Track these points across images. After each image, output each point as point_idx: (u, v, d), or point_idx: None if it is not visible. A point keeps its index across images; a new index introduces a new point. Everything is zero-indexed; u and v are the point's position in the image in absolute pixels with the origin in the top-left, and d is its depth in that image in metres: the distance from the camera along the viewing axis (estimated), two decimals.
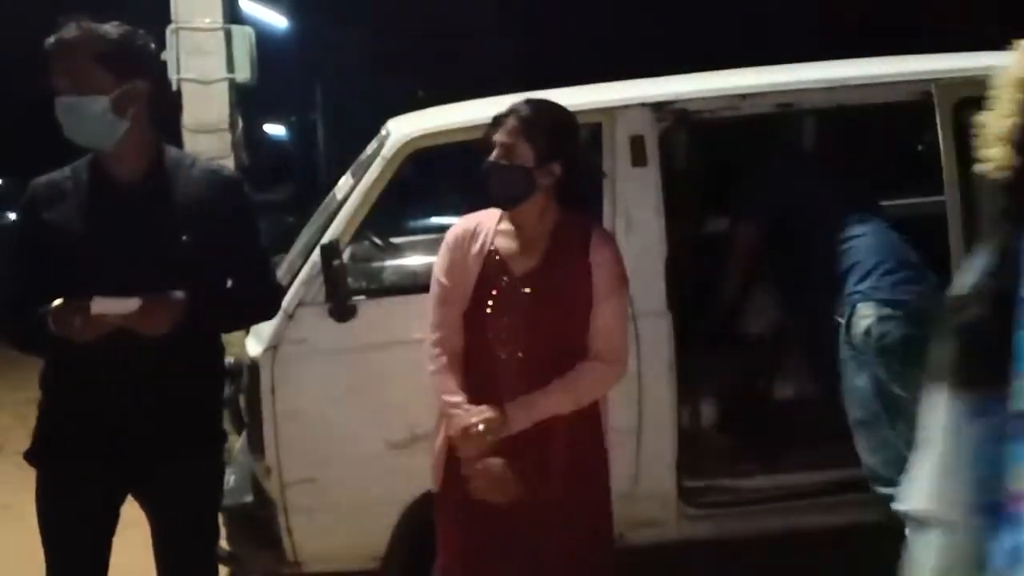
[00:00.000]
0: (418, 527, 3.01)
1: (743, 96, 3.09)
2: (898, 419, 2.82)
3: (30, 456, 2.29)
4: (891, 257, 2.97)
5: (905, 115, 3.90)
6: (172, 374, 2.18)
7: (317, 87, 23.19)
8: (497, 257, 2.27)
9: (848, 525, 2.92)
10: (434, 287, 2.33)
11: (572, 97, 3.30)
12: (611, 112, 3.06)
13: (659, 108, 3.06)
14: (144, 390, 2.17)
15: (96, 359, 2.11)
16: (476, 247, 2.28)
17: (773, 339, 4.09)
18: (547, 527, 2.26)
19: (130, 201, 2.19)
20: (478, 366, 2.28)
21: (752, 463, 3.28)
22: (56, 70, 2.11)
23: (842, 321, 2.93)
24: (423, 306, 2.95)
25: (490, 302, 2.25)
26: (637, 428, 3.03)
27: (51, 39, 2.12)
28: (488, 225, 2.31)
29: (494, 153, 2.23)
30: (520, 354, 2.23)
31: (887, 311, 2.87)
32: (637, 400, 3.01)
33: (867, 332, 2.88)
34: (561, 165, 2.23)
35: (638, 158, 3.02)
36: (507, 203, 2.27)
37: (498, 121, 2.25)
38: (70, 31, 2.11)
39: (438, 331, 2.30)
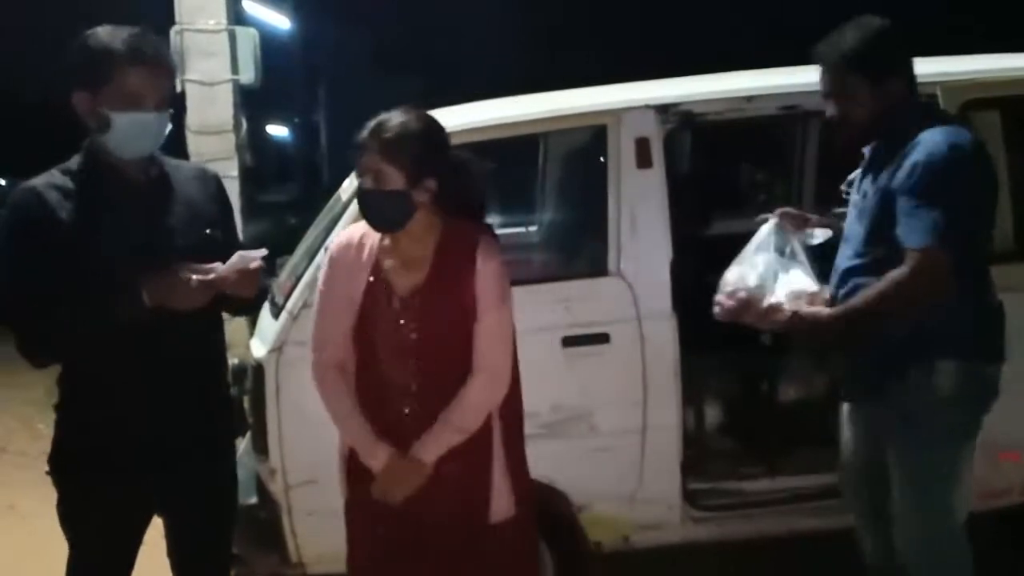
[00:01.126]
0: None
1: (748, 98, 3.09)
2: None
3: (59, 467, 2.21)
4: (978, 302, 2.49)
5: None
6: (196, 376, 2.22)
7: (320, 88, 23.22)
8: (382, 275, 2.18)
9: (852, 528, 2.91)
10: (318, 301, 2.25)
11: (578, 99, 3.31)
12: (616, 114, 3.06)
13: (664, 110, 3.05)
14: (175, 394, 2.17)
15: (127, 365, 2.10)
16: (361, 262, 2.19)
17: (778, 341, 4.09)
18: (435, 507, 2.22)
19: (143, 198, 2.17)
20: (370, 385, 2.22)
21: (757, 466, 3.27)
22: None
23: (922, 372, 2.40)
24: None
25: (377, 323, 2.18)
26: (642, 430, 3.03)
27: None
28: (373, 238, 2.21)
29: (364, 179, 2.13)
30: (413, 378, 2.17)
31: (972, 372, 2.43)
32: (642, 402, 3.01)
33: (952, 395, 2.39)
34: (435, 179, 2.13)
35: (643, 160, 3.02)
36: (389, 228, 2.17)
37: (362, 144, 2.12)
38: None
39: (325, 348, 2.22)
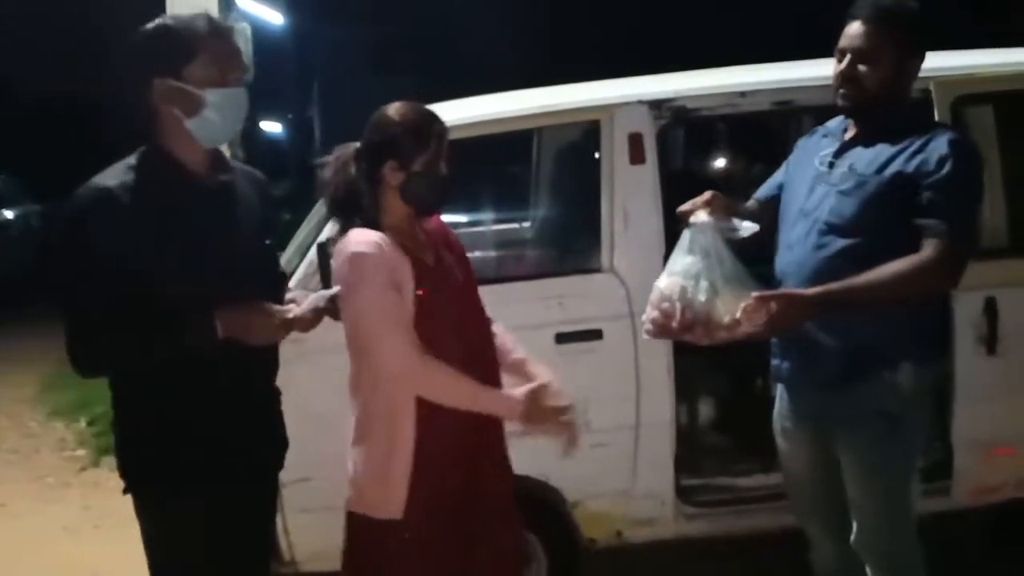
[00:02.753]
0: None
1: (742, 94, 3.08)
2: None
3: (143, 480, 2.12)
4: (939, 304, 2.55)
5: None
6: (272, 386, 2.24)
7: (314, 84, 23.20)
8: (413, 255, 2.17)
9: None
10: (377, 306, 2.08)
11: (570, 95, 3.31)
12: (609, 109, 3.05)
13: (657, 106, 3.05)
14: (259, 405, 2.19)
15: (217, 375, 2.04)
16: (397, 256, 2.13)
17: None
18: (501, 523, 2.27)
19: (214, 204, 2.09)
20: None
21: (749, 462, 3.27)
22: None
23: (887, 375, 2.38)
24: None
25: (431, 301, 2.13)
26: (635, 426, 3.03)
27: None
28: (383, 240, 2.13)
29: (442, 166, 2.17)
30: (467, 340, 2.20)
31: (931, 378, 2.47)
32: (635, 398, 3.01)
33: (916, 394, 2.40)
34: None
35: (636, 155, 3.01)
36: (435, 210, 2.26)
37: (445, 131, 2.19)
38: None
39: (412, 351, 2.08)
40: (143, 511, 2.15)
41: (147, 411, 2.08)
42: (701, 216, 2.35)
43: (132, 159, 2.06)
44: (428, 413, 2.13)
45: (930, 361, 2.44)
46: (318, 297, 2.11)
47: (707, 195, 2.44)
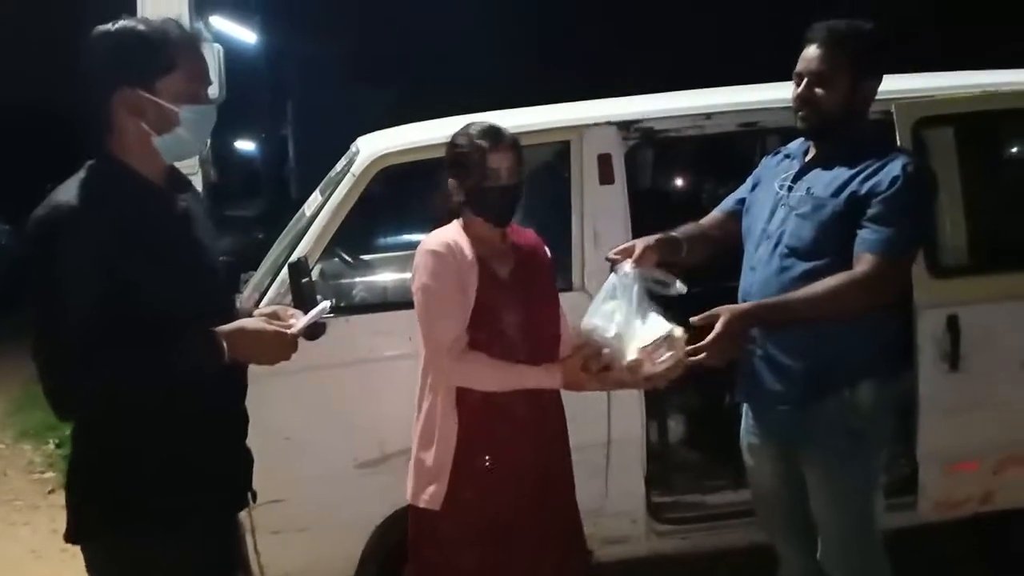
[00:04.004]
0: (388, 547, 2.99)
1: (707, 115, 3.13)
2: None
3: (114, 525, 1.90)
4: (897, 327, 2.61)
5: None
6: (244, 410, 2.12)
7: (288, 103, 23.14)
8: (486, 266, 2.37)
9: None
10: (436, 301, 2.32)
11: (540, 115, 3.34)
12: (579, 130, 3.09)
13: (626, 127, 3.09)
14: (234, 433, 2.08)
15: (198, 403, 1.90)
16: (468, 259, 2.34)
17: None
18: (555, 534, 2.42)
19: (180, 218, 1.98)
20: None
21: (720, 478, 3.30)
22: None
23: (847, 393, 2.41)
24: (393, 323, 2.97)
25: (490, 308, 2.34)
26: (606, 444, 3.05)
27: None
28: (457, 243, 2.37)
29: (507, 176, 2.34)
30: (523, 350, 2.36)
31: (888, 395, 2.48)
32: (607, 415, 3.03)
33: (870, 411, 2.42)
34: None
35: (605, 176, 3.06)
36: (507, 220, 2.41)
37: (504, 146, 2.35)
38: None
39: (455, 340, 2.30)
40: (107, 560, 1.93)
41: (123, 447, 1.88)
42: (626, 268, 2.38)
43: (88, 173, 1.88)
44: (471, 417, 2.33)
45: (891, 379, 2.48)
46: (318, 312, 2.04)
47: (639, 248, 2.45)
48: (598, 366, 2.31)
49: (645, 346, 2.22)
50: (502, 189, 2.34)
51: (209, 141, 2.11)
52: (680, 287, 2.37)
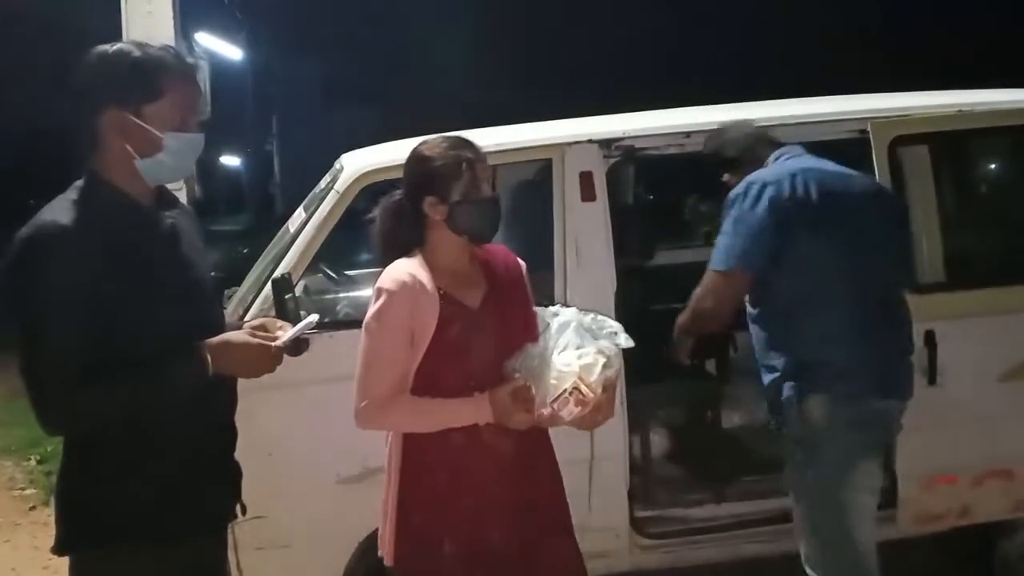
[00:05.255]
0: (371, 563, 2.99)
1: (687, 134, 3.17)
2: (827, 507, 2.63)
3: (102, 536, 1.90)
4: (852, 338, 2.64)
5: (844, 152, 4.03)
6: (233, 425, 2.12)
7: (273, 119, 23.16)
8: (449, 295, 2.18)
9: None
10: (375, 350, 2.14)
11: (522, 133, 3.37)
12: (561, 148, 3.12)
13: (607, 145, 3.13)
14: (224, 446, 2.09)
15: (199, 407, 1.92)
16: (428, 291, 2.15)
17: (721, 370, 4.17)
18: (541, 535, 2.26)
19: (167, 237, 1.99)
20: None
21: (703, 493, 3.32)
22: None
23: (794, 402, 2.58)
24: None
25: (450, 342, 2.16)
26: (589, 459, 3.06)
27: None
28: (415, 277, 2.16)
29: (485, 188, 2.21)
30: (477, 376, 2.17)
31: (831, 399, 2.56)
32: (589, 431, 3.04)
33: (815, 420, 2.58)
34: None
35: (587, 193, 3.08)
36: (492, 235, 2.27)
37: (478, 158, 2.20)
38: None
39: (381, 392, 2.13)
40: (93, 573, 1.94)
41: (114, 459, 1.88)
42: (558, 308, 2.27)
43: (75, 193, 1.90)
44: (413, 455, 2.17)
45: (846, 397, 2.55)
46: (304, 325, 2.01)
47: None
48: (526, 400, 2.12)
49: (553, 399, 2.09)
50: (489, 202, 2.21)
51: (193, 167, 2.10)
52: (623, 340, 2.19)
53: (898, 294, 2.72)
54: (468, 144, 2.22)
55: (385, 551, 2.23)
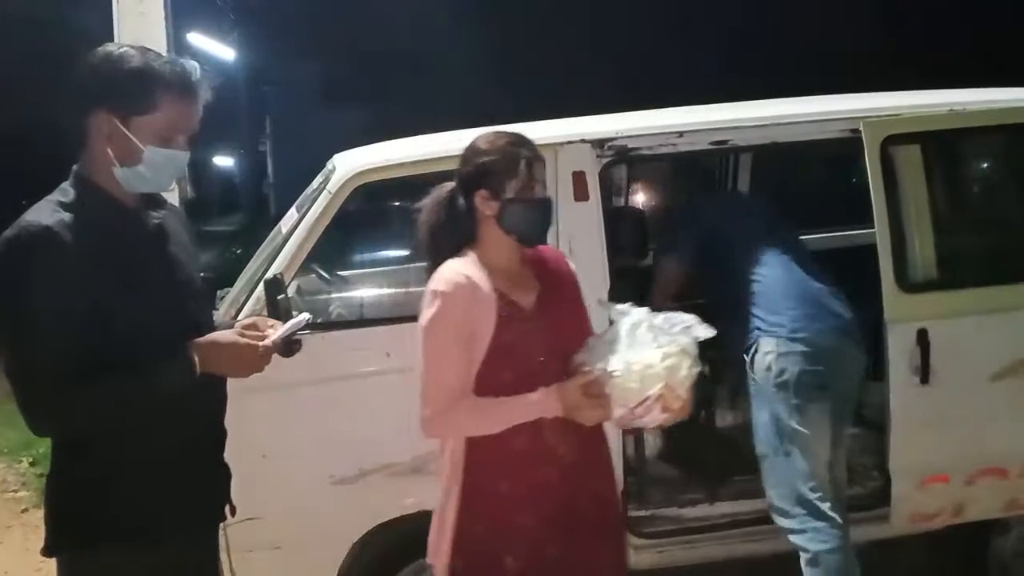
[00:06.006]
0: (365, 564, 2.99)
1: (680, 134, 3.17)
2: (794, 454, 2.92)
3: (93, 538, 1.89)
4: (795, 293, 3.03)
5: (836, 151, 4.04)
6: (223, 425, 2.11)
7: (267, 119, 23.11)
8: (505, 297, 2.12)
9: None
10: (437, 352, 2.07)
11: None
12: (554, 148, 3.11)
13: (600, 145, 3.13)
14: (214, 446, 2.08)
15: (189, 408, 1.91)
16: (484, 292, 2.08)
17: (716, 369, 4.17)
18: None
19: (154, 238, 1.99)
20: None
21: (696, 492, 3.32)
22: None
23: (747, 356, 3.01)
24: (370, 340, 2.99)
25: (508, 343, 2.09)
26: None
27: None
28: (470, 278, 2.09)
29: (539, 189, 2.14)
30: (544, 377, 2.09)
31: (786, 347, 2.94)
32: None
33: (767, 367, 2.96)
34: None
35: (580, 192, 3.08)
36: (541, 239, 2.22)
37: (536, 157, 2.13)
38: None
39: (446, 399, 2.07)
40: (82, 571, 1.93)
41: (102, 461, 1.88)
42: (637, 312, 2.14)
43: (62, 194, 1.90)
44: (475, 464, 2.11)
45: (783, 341, 2.97)
46: (293, 324, 2.01)
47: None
48: (599, 395, 2.04)
49: (636, 405, 2.02)
50: (542, 203, 2.14)
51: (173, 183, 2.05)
52: (701, 332, 2.07)
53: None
54: (527, 142, 2.15)
55: (437, 560, 2.18)
